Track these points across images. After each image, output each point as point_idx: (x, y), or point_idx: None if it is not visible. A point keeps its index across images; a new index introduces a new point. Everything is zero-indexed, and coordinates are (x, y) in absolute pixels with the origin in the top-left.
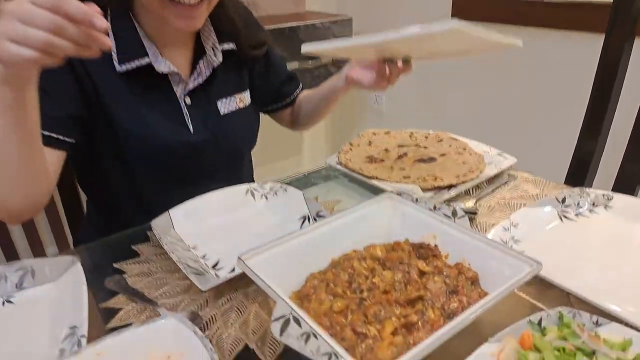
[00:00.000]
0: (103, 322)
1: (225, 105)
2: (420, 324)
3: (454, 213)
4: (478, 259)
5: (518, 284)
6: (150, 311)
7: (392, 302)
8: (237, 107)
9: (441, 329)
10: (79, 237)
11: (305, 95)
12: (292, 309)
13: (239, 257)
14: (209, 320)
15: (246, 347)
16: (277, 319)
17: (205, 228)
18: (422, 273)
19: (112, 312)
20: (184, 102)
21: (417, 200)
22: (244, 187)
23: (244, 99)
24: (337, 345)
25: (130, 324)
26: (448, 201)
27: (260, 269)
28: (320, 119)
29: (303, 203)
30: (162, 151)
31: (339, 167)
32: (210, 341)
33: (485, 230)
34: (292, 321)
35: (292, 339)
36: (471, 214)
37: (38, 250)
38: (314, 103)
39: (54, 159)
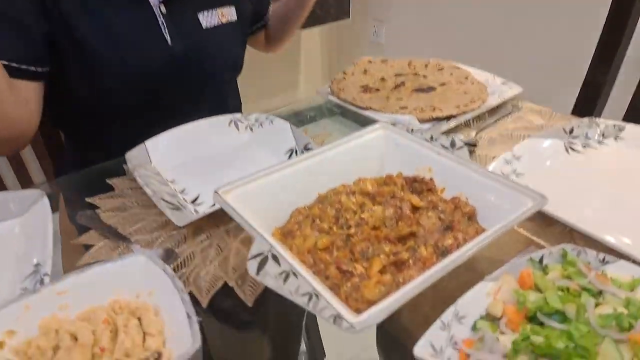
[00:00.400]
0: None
1: (208, 19)
2: (411, 261)
3: (452, 144)
4: (476, 193)
5: (519, 219)
6: (124, 248)
7: (381, 238)
8: (220, 22)
9: (433, 267)
10: (60, 169)
11: (273, 10)
12: (271, 245)
13: (215, 191)
14: (187, 258)
15: (225, 285)
16: (254, 257)
17: (184, 161)
18: (415, 208)
19: (86, 250)
20: (159, 10)
21: (412, 130)
22: (227, 117)
23: (227, 14)
24: (319, 284)
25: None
26: (446, 133)
27: (238, 204)
28: (295, 27)
29: (290, 135)
30: (136, 66)
31: (331, 97)
32: (187, 279)
33: (486, 164)
34: (270, 259)
35: (270, 278)
36: (471, 146)
37: (25, 180)
38: (286, 11)
39: (32, 91)
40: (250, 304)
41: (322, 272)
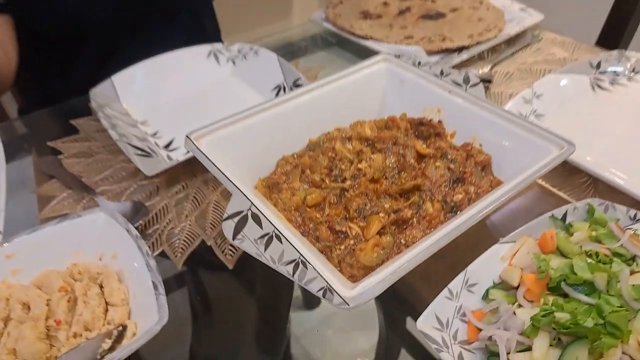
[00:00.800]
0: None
1: None
2: (415, 220)
3: (466, 80)
4: (492, 139)
5: (542, 171)
6: (88, 200)
7: (380, 193)
8: None
9: (441, 228)
10: (25, 105)
11: None
12: (252, 202)
13: (187, 136)
14: (160, 212)
15: (203, 244)
16: (230, 217)
17: (157, 99)
18: (420, 156)
19: (47, 202)
20: None
21: (419, 64)
22: (205, 48)
23: None
24: (307, 249)
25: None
26: (458, 67)
27: (214, 151)
28: None
29: (278, 69)
30: None
31: (326, 24)
32: (160, 236)
33: (501, 103)
34: (250, 219)
35: (249, 242)
36: (485, 83)
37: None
38: None
39: (2, 28)
40: (231, 267)
41: (312, 233)
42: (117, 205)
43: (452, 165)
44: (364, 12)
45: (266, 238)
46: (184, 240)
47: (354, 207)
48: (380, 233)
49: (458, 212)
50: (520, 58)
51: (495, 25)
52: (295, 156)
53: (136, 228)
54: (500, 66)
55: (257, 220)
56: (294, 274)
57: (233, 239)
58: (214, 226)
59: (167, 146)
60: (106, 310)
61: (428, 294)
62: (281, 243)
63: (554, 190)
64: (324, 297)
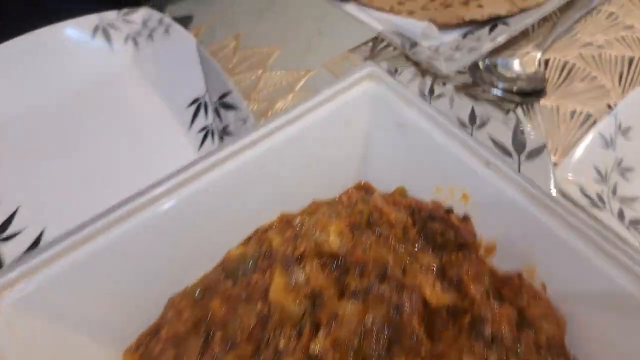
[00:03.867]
0: None
1: None
2: None
3: (519, 143)
4: (566, 276)
5: None
6: None
7: None
8: None
9: None
10: None
11: None
12: None
13: None
14: None
15: None
16: None
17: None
18: (428, 311)
19: None
20: None
21: (436, 82)
22: (90, 20)
23: None
24: None
25: None
26: (490, 55)
27: (29, 318)
28: None
29: (197, 68)
30: None
31: None
32: None
33: (558, 131)
34: None
35: None
36: (536, 95)
37: None
38: None
39: None
40: None
41: None
42: None
43: (492, 357)
44: None
45: None
46: None
47: None
48: None
49: None
50: (583, 34)
51: None
52: (198, 295)
53: None
54: (552, 51)
55: None
56: None
57: None
58: None
59: (9, 238)
60: None
61: None
62: None
63: None
64: None
